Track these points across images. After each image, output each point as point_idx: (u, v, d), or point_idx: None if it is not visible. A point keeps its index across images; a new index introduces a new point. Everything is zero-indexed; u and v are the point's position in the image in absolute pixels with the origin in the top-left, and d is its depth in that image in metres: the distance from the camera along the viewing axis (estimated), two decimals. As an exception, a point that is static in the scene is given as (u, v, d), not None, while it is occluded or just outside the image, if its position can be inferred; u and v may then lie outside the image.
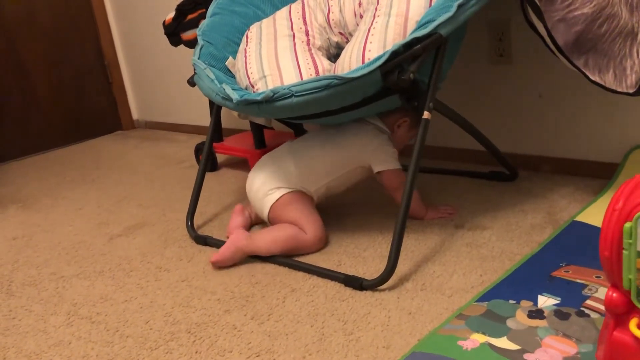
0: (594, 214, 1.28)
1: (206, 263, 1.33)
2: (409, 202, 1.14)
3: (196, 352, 0.99)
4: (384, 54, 1.12)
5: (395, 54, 1.11)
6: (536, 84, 1.58)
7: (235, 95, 1.26)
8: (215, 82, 1.35)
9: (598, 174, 1.51)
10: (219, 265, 1.29)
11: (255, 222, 1.50)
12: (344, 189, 1.45)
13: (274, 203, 1.34)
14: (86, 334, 1.10)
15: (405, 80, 1.10)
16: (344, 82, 1.12)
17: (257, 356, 0.96)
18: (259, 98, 1.20)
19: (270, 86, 1.32)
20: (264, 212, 1.36)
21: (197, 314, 1.12)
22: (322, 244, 1.32)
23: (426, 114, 1.17)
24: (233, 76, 1.47)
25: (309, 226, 1.30)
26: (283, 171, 1.37)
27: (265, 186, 1.36)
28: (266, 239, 1.30)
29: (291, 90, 1.17)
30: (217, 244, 1.40)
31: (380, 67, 1.10)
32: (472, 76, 1.69)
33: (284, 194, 1.34)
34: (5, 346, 1.09)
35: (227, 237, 1.35)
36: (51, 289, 1.31)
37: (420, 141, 1.16)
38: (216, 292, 1.19)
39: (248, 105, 1.25)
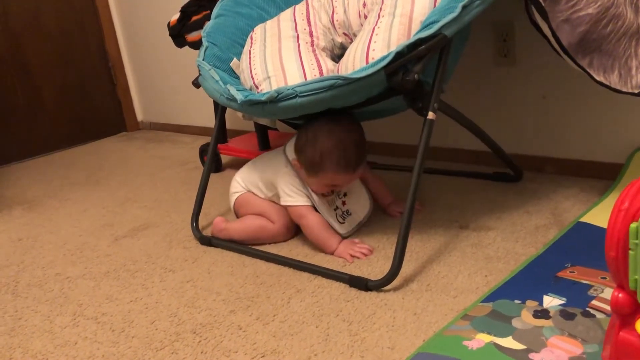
0: (599, 215, 1.28)
1: (211, 264, 1.33)
2: (413, 204, 1.14)
3: (201, 353, 0.99)
4: (388, 54, 1.11)
5: (399, 55, 1.11)
6: (540, 85, 1.58)
7: (239, 96, 1.27)
8: (220, 83, 1.36)
9: (602, 175, 1.50)
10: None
11: None
12: None
13: (234, 203, 1.47)
14: (92, 334, 1.10)
15: (410, 81, 1.10)
16: (348, 83, 1.12)
17: (262, 357, 0.96)
18: (263, 98, 1.20)
19: (275, 87, 1.32)
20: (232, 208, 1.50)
21: (202, 314, 1.12)
22: (290, 234, 1.39)
23: (431, 115, 1.17)
24: (237, 77, 1.47)
25: (275, 215, 1.37)
26: (252, 173, 1.45)
27: (232, 184, 1.48)
28: (237, 229, 1.40)
29: (295, 91, 1.17)
30: (222, 245, 1.41)
31: (384, 67, 1.10)
32: (477, 77, 1.69)
33: (240, 196, 1.45)
34: (11, 346, 1.10)
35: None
36: (57, 289, 1.31)
37: (425, 142, 1.16)
38: (221, 293, 1.19)
39: (252, 105, 1.25)
